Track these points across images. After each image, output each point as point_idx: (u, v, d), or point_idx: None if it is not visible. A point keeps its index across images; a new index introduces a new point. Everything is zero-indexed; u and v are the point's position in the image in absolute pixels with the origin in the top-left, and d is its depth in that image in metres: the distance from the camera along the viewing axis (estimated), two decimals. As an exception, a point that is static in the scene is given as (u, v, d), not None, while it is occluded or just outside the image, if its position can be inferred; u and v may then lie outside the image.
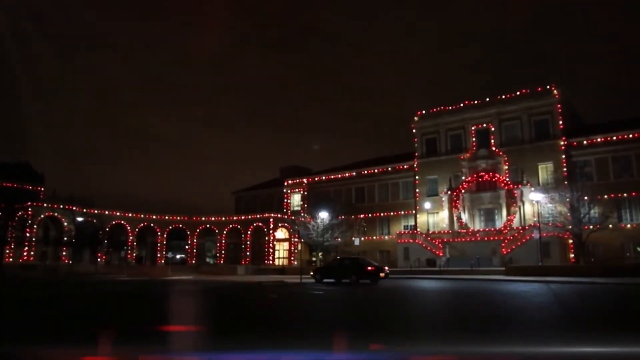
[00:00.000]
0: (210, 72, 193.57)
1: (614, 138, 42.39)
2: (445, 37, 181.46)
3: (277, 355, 7.77)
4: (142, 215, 57.50)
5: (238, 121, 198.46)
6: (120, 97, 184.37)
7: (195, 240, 59.23)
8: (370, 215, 55.31)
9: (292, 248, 55.79)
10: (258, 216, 56.60)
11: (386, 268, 29.98)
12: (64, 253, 50.58)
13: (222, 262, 56.80)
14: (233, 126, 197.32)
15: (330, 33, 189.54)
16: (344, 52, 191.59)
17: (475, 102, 49.62)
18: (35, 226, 49.46)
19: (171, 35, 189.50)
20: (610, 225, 38.67)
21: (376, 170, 56.25)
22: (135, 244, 57.07)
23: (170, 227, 58.80)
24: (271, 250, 54.60)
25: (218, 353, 7.91)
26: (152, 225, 57.91)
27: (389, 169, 55.32)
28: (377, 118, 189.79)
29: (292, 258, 55.14)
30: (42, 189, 64.61)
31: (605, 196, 40.53)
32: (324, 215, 46.49)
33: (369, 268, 28.20)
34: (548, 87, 46.08)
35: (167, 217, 58.87)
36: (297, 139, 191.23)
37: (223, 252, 57.96)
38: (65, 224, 50.13)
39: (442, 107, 51.80)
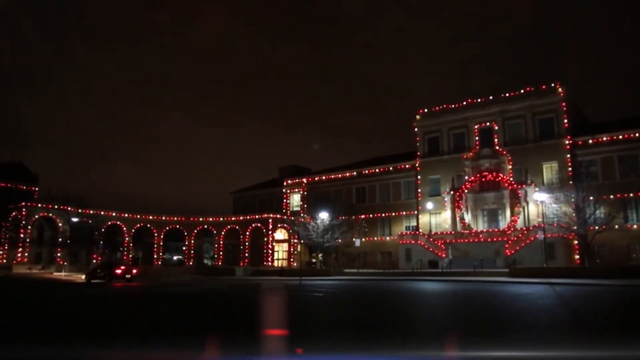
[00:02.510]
0: (212, 65, 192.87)
1: (620, 137, 41.72)
2: (459, 28, 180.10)
3: None
4: (138, 216, 56.69)
5: (237, 119, 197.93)
6: (117, 92, 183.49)
7: (192, 241, 58.38)
8: (371, 215, 54.48)
9: (292, 249, 55.00)
10: (257, 217, 55.78)
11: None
12: (58, 254, 49.75)
13: (220, 263, 56.05)
14: (233, 124, 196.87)
15: (345, 21, 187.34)
16: (358, 43, 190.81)
17: (478, 100, 48.82)
18: (29, 227, 48.72)
19: (170, 27, 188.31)
20: (616, 226, 38.02)
21: (377, 170, 55.45)
22: (131, 245, 56.25)
23: (167, 228, 58.01)
24: (270, 252, 53.79)
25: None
26: (148, 225, 57.10)
27: (391, 168, 54.51)
28: (385, 114, 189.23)
29: (292, 259, 54.33)
30: (37, 188, 63.75)
31: (611, 196, 39.93)
32: (324, 215, 45.71)
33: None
34: (553, 85, 45.32)
35: (164, 218, 58.07)
36: (299, 137, 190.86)
37: (221, 253, 57.16)
38: (60, 224, 49.37)
39: (444, 106, 51.00)
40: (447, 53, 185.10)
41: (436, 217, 49.65)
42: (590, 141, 43.02)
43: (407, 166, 53.07)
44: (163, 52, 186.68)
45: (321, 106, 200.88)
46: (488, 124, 48.05)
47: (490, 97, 48.19)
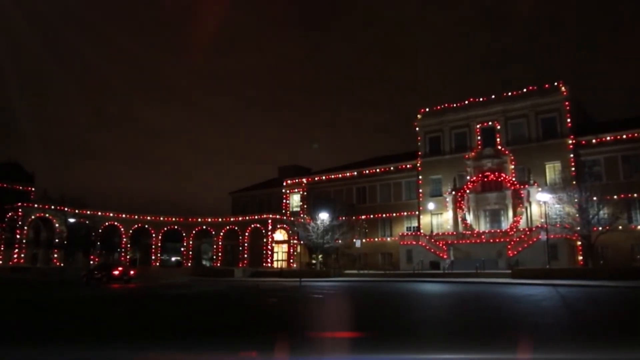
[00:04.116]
0: (211, 61, 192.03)
1: (624, 137, 41.42)
2: (467, 26, 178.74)
3: None
4: (136, 217, 56.25)
5: (237, 118, 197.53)
6: (115, 90, 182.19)
7: (191, 242, 57.88)
8: (371, 216, 53.98)
9: (291, 250, 54.52)
10: (256, 217, 55.30)
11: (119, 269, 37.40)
12: (55, 255, 49.22)
13: (219, 264, 55.58)
14: (232, 124, 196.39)
15: (362, 12, 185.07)
16: (373, 35, 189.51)
17: (481, 99, 48.37)
18: (25, 227, 48.32)
19: (167, 17, 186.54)
20: (620, 227, 37.65)
21: (378, 170, 54.97)
22: (129, 246, 55.77)
23: (165, 229, 57.60)
24: (269, 253, 53.31)
25: None
26: (146, 226, 56.65)
27: (391, 168, 54.02)
28: (390, 112, 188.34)
29: (292, 260, 53.84)
30: (33, 189, 63.20)
31: (615, 196, 39.37)
32: (324, 216, 45.13)
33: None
34: (556, 83, 44.91)
35: (161, 218, 57.63)
36: (299, 137, 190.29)
37: (220, 254, 56.66)
38: (57, 225, 48.93)
39: (446, 105, 50.54)
40: (454, 52, 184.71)
41: (437, 218, 49.18)
42: (594, 141, 42.62)
43: (408, 166, 52.59)
44: (161, 46, 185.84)
45: (324, 104, 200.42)
46: (490, 123, 47.59)
47: (493, 96, 47.76)
